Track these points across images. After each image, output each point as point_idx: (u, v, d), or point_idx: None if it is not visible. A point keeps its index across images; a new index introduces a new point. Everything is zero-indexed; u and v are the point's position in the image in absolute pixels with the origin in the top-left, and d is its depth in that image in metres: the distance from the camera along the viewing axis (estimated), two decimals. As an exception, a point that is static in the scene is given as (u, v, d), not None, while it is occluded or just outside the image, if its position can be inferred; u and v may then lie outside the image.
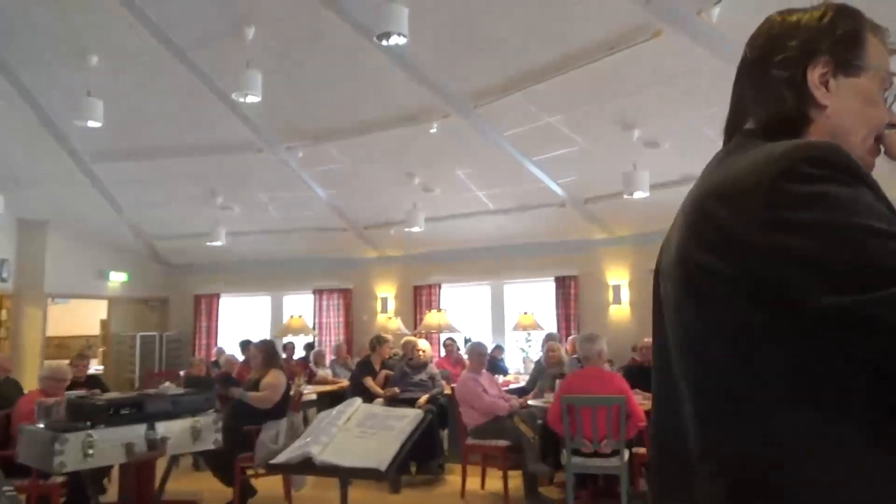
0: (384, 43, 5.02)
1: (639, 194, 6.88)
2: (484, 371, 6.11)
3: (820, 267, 0.74)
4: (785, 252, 0.76)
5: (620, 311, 9.26)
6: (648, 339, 7.00)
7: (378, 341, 7.47)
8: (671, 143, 7.14)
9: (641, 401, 5.47)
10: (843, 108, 0.93)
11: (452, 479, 6.10)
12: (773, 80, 0.95)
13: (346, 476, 1.95)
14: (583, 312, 9.46)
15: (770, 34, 0.98)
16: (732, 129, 1.03)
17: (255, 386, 5.33)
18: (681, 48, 5.84)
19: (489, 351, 7.78)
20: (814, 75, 0.93)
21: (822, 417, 0.77)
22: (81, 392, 4.96)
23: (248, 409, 5.18)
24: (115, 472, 4.94)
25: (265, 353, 5.56)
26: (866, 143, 0.94)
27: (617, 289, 9.26)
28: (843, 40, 0.94)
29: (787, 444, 0.78)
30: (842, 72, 0.93)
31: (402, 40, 4.90)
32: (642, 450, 5.00)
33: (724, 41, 5.74)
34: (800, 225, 0.76)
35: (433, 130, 7.48)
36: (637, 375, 6.30)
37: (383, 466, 1.80)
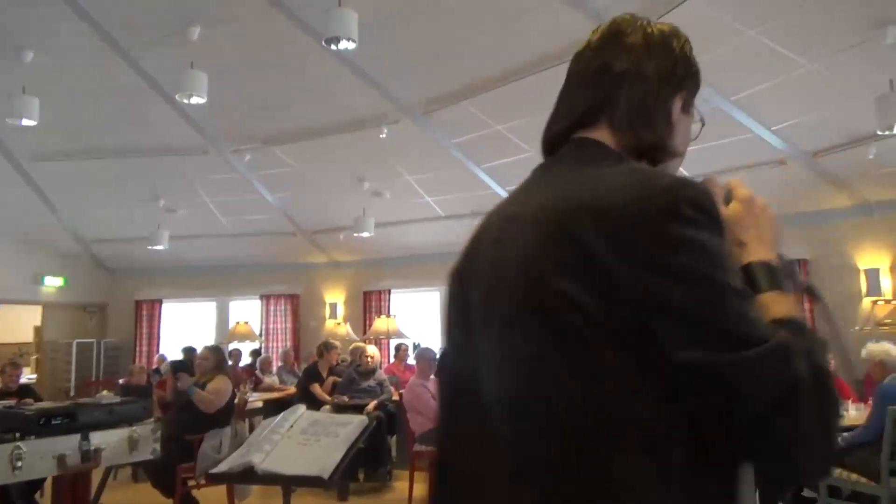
0: (333, 47, 4.99)
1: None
2: (432, 377, 6.11)
3: (688, 319, 0.72)
4: (659, 298, 0.72)
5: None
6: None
7: (325, 347, 7.40)
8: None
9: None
10: (679, 144, 0.96)
11: (400, 485, 6.08)
12: (653, 101, 0.93)
13: (288, 484, 1.92)
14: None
15: (649, 48, 0.96)
16: (572, 128, 0.97)
17: (200, 388, 5.20)
18: (626, 60, 5.99)
19: (438, 356, 7.78)
20: (677, 106, 0.95)
21: (659, 470, 0.73)
22: (10, 402, 4.75)
23: (191, 417, 5.06)
24: (48, 485, 4.75)
25: (217, 357, 5.46)
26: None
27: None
28: (695, 79, 0.98)
29: (616, 491, 0.73)
30: (685, 109, 0.97)
31: (351, 45, 4.89)
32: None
33: (667, 55, 5.92)
34: (677, 272, 0.72)
35: (383, 136, 7.47)
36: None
37: (326, 474, 1.78)
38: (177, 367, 5.40)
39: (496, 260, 0.86)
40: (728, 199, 0.93)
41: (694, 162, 7.42)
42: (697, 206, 0.76)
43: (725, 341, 0.71)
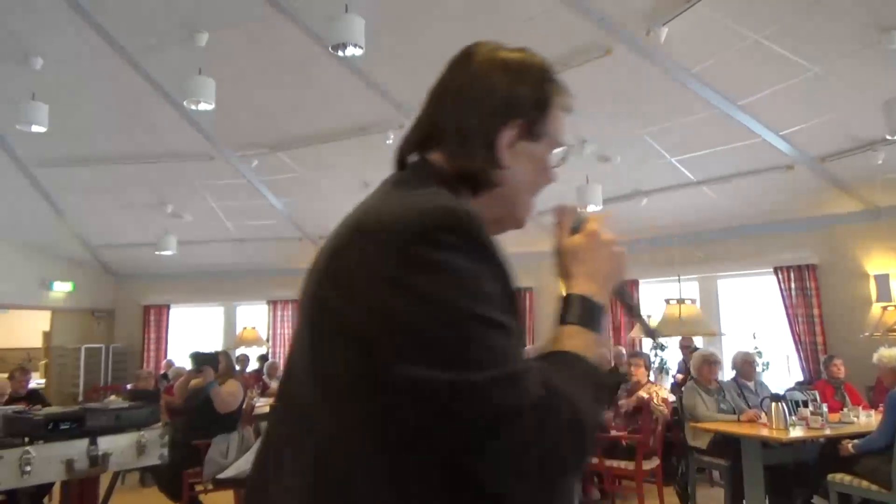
0: (340, 54, 5.01)
1: (591, 207, 7.01)
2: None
3: (415, 337, 0.73)
4: (389, 312, 0.74)
5: (574, 322, 9.38)
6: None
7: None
8: (622, 158, 7.30)
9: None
10: (519, 171, 0.95)
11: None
12: (473, 128, 0.93)
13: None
14: (538, 324, 9.55)
15: (486, 74, 0.96)
16: (415, 147, 0.99)
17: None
18: (630, 66, 5.99)
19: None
20: (505, 137, 0.93)
21: (391, 476, 0.77)
22: (20, 407, 4.77)
23: (198, 422, 5.06)
24: (56, 490, 4.76)
25: (227, 362, 5.47)
26: (528, 205, 0.99)
27: (570, 300, 9.38)
28: (537, 106, 0.96)
29: (354, 493, 0.78)
30: (527, 136, 0.95)
31: (358, 51, 4.90)
32: (595, 459, 5.06)
33: (671, 60, 5.93)
34: (413, 290, 0.74)
35: (389, 141, 7.48)
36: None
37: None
38: (202, 360, 5.27)
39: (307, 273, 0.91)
40: (577, 230, 0.96)
41: (701, 168, 7.44)
42: (455, 231, 0.77)
43: (451, 362, 0.72)
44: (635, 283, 8.78)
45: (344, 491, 0.78)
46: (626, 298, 0.99)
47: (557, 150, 0.99)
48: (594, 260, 0.94)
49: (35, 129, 6.31)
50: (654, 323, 7.12)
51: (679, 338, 7.31)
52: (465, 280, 0.75)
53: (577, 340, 0.84)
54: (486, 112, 0.93)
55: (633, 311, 1.03)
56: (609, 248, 0.96)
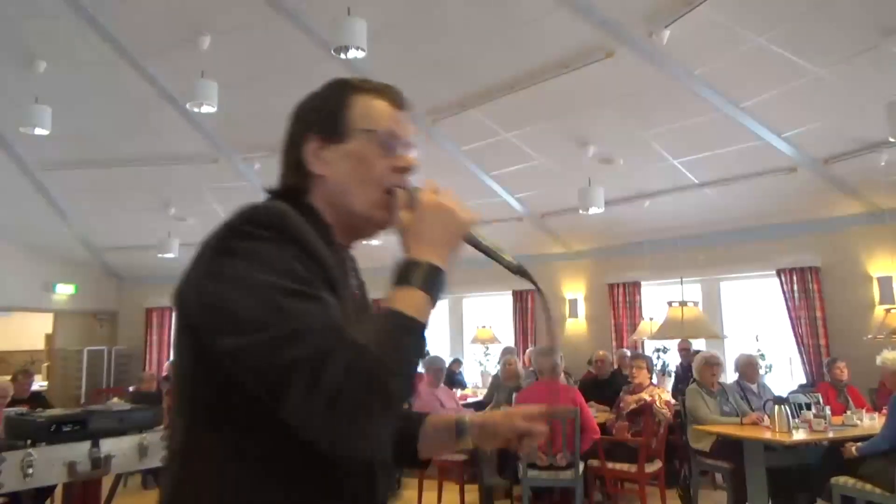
0: (342, 56, 5.02)
1: (594, 210, 7.01)
2: (442, 385, 6.10)
3: (227, 314, 0.85)
4: (207, 297, 0.88)
5: (577, 325, 9.37)
6: (603, 352, 7.14)
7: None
8: (625, 160, 7.30)
9: (596, 413, 5.54)
10: (336, 172, 1.04)
11: (409, 493, 6.06)
12: (286, 154, 1.09)
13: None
14: (540, 326, 9.54)
15: (295, 115, 1.12)
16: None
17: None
18: (633, 68, 5.99)
19: (447, 364, 7.77)
20: (309, 151, 1.05)
21: (228, 440, 0.91)
22: (22, 409, 4.77)
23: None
24: (58, 493, 4.76)
25: None
26: (370, 199, 1.04)
27: (573, 302, 9.38)
28: (327, 116, 1.06)
29: (198, 462, 0.93)
30: (332, 142, 1.05)
31: (360, 54, 4.91)
32: (597, 462, 5.05)
33: (674, 62, 5.92)
34: (222, 274, 0.87)
35: (392, 144, 7.49)
36: (593, 388, 6.39)
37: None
38: None
39: None
40: (413, 204, 1.03)
41: (704, 170, 7.43)
42: (258, 223, 0.91)
43: (248, 328, 0.83)
44: (637, 286, 8.78)
45: (198, 478, 0.92)
46: (478, 244, 1.05)
47: (384, 133, 1.06)
48: (425, 227, 0.99)
49: (38, 131, 6.33)
50: (656, 325, 7.11)
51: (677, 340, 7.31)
52: (263, 260, 0.87)
53: (401, 301, 0.91)
54: (291, 139, 1.10)
55: (489, 254, 1.08)
56: (438, 210, 1.01)
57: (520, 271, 1.08)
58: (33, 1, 6.11)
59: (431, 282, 0.94)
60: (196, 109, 6.06)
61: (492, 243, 1.07)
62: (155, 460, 4.15)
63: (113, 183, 8.69)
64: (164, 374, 9.58)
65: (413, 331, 0.89)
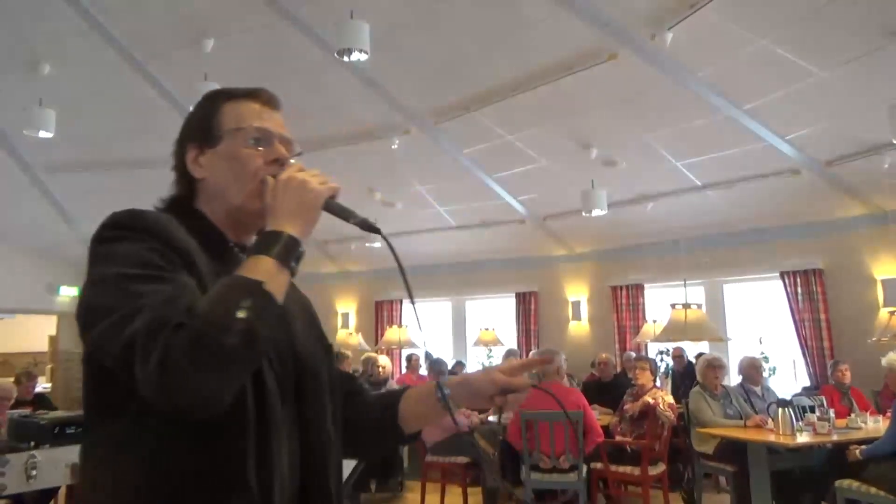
0: (346, 59, 5.03)
1: (597, 212, 7.00)
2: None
3: (92, 309, 0.93)
4: (78, 305, 0.96)
5: (580, 327, 9.36)
6: (606, 355, 7.13)
7: (339, 357, 7.42)
8: (628, 162, 7.29)
9: (599, 416, 5.54)
10: (215, 173, 1.14)
11: (412, 496, 6.06)
12: (175, 169, 1.20)
13: (301, 494, 1.91)
14: (543, 328, 9.53)
15: (179, 131, 1.21)
16: None
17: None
18: (636, 71, 5.99)
19: (450, 367, 7.77)
20: (189, 159, 1.16)
21: (117, 429, 0.97)
22: (26, 411, 4.78)
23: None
24: (61, 494, 4.76)
25: None
26: (247, 189, 1.12)
27: (576, 305, 9.37)
28: (198, 126, 1.17)
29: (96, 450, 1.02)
30: (207, 148, 1.14)
31: (363, 57, 4.92)
32: (600, 465, 5.04)
33: (677, 65, 5.92)
34: (87, 281, 0.96)
35: (394, 146, 7.50)
36: (595, 390, 6.39)
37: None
38: None
39: None
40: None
41: (707, 172, 7.41)
42: (113, 226, 1.00)
43: (102, 316, 0.90)
44: (640, 288, 8.77)
45: (93, 474, 1.02)
46: (331, 208, 1.11)
47: (252, 129, 1.14)
48: (278, 201, 1.05)
49: (42, 134, 6.35)
50: (660, 327, 7.10)
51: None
52: (118, 256, 0.95)
53: (250, 269, 0.96)
54: (175, 152, 1.20)
55: (341, 215, 1.13)
56: (290, 184, 1.07)
57: (371, 227, 1.13)
58: (38, 4, 6.13)
59: (279, 247, 0.99)
60: (199, 112, 6.06)
61: (345, 208, 1.13)
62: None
63: (116, 185, 8.70)
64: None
65: (249, 289, 0.92)
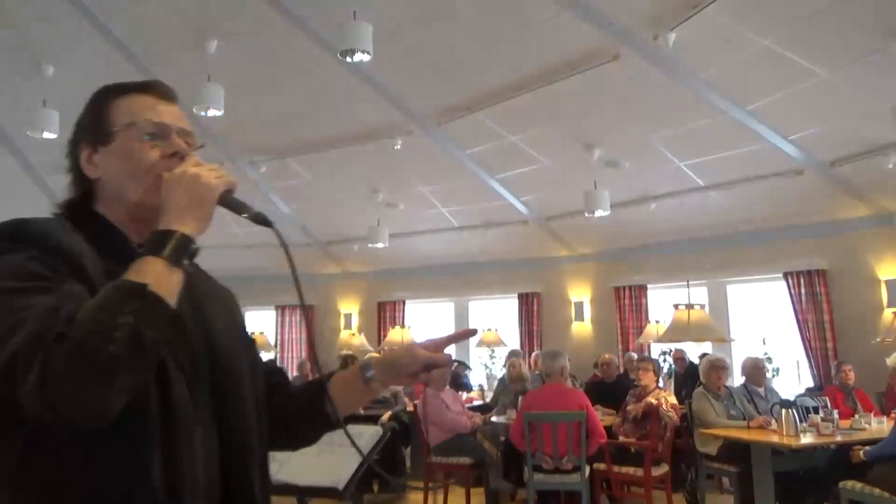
0: (348, 60, 5.03)
1: (599, 213, 6.99)
2: (447, 388, 6.09)
3: None
4: None
5: (582, 328, 9.35)
6: (609, 355, 7.12)
7: (348, 360, 7.45)
8: (631, 163, 7.29)
9: (602, 417, 5.53)
10: (109, 171, 1.11)
11: (415, 497, 6.06)
12: (70, 172, 1.16)
13: (303, 495, 1.92)
14: (546, 329, 9.53)
15: (72, 131, 1.18)
16: None
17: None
18: (638, 71, 5.99)
19: (453, 368, 7.76)
20: (83, 159, 1.12)
21: (12, 460, 0.93)
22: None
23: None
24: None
25: None
26: (144, 185, 1.09)
27: (579, 305, 9.36)
28: (89, 124, 1.14)
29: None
30: (100, 146, 1.11)
31: (366, 57, 4.92)
32: (603, 466, 5.04)
33: (679, 65, 5.92)
34: None
35: (397, 147, 7.51)
36: (598, 392, 6.38)
37: (341, 485, 1.77)
38: None
39: None
40: None
41: (710, 173, 7.39)
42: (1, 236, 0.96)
43: None
44: (643, 289, 8.76)
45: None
46: (226, 202, 1.10)
47: (145, 123, 1.11)
48: (170, 197, 1.04)
49: (46, 135, 6.37)
50: (663, 328, 7.09)
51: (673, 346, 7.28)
52: (3, 269, 0.92)
53: (131, 269, 0.94)
54: (69, 154, 1.17)
55: (239, 212, 1.13)
56: (181, 179, 1.05)
57: (263, 221, 1.12)
58: (42, 6, 6.15)
59: (169, 247, 0.97)
60: (203, 113, 6.09)
61: (240, 202, 1.11)
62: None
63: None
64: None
65: (134, 293, 0.90)
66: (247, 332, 1.24)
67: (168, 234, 0.99)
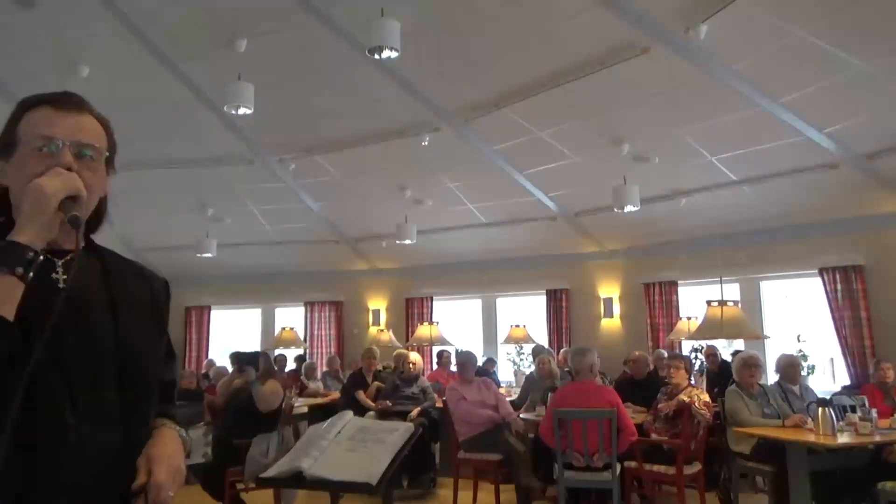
0: (376, 57, 5.05)
1: (629, 208, 6.92)
2: (476, 380, 6.02)
3: None
4: None
5: (611, 325, 9.28)
6: (639, 353, 7.05)
7: (368, 354, 7.49)
8: (661, 158, 7.19)
9: (633, 414, 5.48)
10: (11, 182, 1.17)
11: (444, 493, 6.07)
12: None
13: (336, 490, 1.94)
14: (574, 325, 9.47)
15: None
16: None
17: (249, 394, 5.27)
18: (669, 65, 5.91)
19: (481, 363, 7.77)
20: None
21: None
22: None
23: (239, 422, 5.15)
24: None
25: (267, 362, 5.54)
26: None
27: (608, 302, 9.29)
28: (3, 134, 1.19)
29: None
30: (8, 156, 1.17)
31: (394, 54, 4.94)
32: (634, 464, 5.00)
33: (711, 58, 5.82)
34: None
35: (425, 143, 7.51)
36: (628, 388, 6.31)
37: (374, 480, 1.79)
38: (244, 359, 5.28)
39: None
40: None
41: (742, 167, 7.26)
42: None
43: None
44: (674, 285, 8.66)
45: None
46: (65, 211, 1.10)
47: (35, 137, 1.16)
48: (21, 209, 1.09)
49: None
50: (695, 325, 7.00)
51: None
52: None
53: None
54: None
55: (65, 216, 1.10)
56: (30, 191, 1.09)
57: (72, 222, 1.10)
58: (77, 8, 6.28)
59: (3, 258, 1.01)
60: (233, 112, 6.16)
61: (69, 208, 1.10)
62: (196, 456, 4.25)
63: (152, 184, 8.87)
64: (203, 371, 9.76)
65: None
66: (162, 327, 1.31)
67: (8, 248, 1.03)
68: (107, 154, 1.27)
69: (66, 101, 1.22)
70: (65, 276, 1.16)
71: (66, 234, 1.14)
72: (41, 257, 1.05)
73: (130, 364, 1.16)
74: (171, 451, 1.20)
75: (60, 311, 1.03)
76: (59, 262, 1.18)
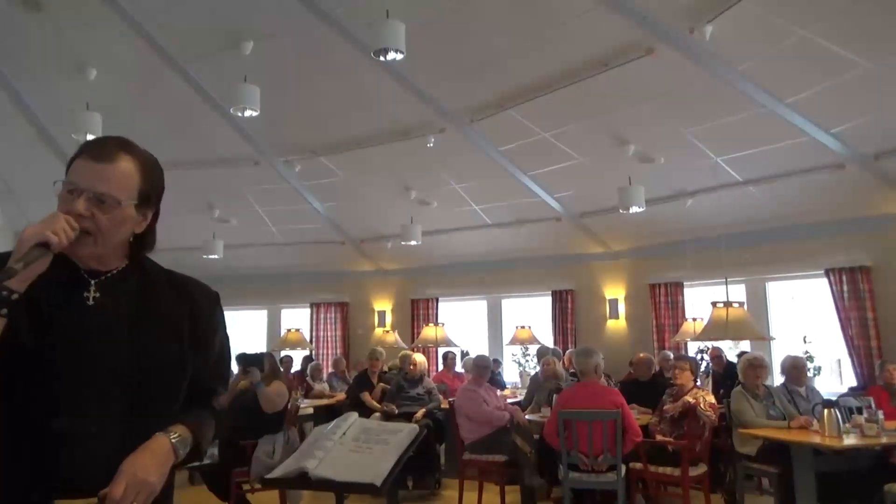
0: (382, 59, 5.06)
1: (634, 209, 6.91)
2: (485, 384, 6.05)
3: None
4: None
5: (617, 326, 9.27)
6: (645, 354, 7.05)
7: (373, 355, 7.51)
8: (666, 158, 7.19)
9: (638, 415, 5.47)
10: None
11: (449, 493, 6.08)
12: None
13: (341, 491, 1.94)
14: (580, 326, 9.46)
15: None
16: None
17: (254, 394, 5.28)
18: (674, 65, 5.91)
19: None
20: None
21: None
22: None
23: (245, 422, 5.16)
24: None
25: (273, 362, 5.56)
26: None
27: (614, 303, 9.27)
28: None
29: None
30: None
31: (399, 56, 4.95)
32: (639, 465, 4.99)
33: (717, 58, 5.82)
34: None
35: (430, 144, 7.53)
36: (634, 390, 6.31)
37: (378, 481, 1.80)
38: (250, 361, 5.33)
39: None
40: None
41: (748, 168, 7.24)
42: None
43: None
44: (679, 286, 8.64)
45: None
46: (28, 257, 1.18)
47: (63, 184, 1.31)
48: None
49: (90, 137, 6.53)
50: (700, 326, 6.98)
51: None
52: None
53: None
54: None
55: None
56: (22, 234, 1.19)
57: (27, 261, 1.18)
58: (84, 10, 6.32)
59: None
60: (239, 114, 6.18)
61: (24, 257, 1.17)
62: (203, 457, 4.24)
63: (159, 186, 8.92)
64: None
65: None
66: (182, 342, 1.38)
67: None
68: (134, 201, 1.38)
69: (99, 153, 1.33)
70: (96, 295, 1.29)
71: (101, 259, 1.30)
72: (16, 295, 1.15)
73: (141, 376, 1.26)
74: (143, 463, 1.23)
75: (85, 325, 1.21)
76: (93, 282, 1.31)
